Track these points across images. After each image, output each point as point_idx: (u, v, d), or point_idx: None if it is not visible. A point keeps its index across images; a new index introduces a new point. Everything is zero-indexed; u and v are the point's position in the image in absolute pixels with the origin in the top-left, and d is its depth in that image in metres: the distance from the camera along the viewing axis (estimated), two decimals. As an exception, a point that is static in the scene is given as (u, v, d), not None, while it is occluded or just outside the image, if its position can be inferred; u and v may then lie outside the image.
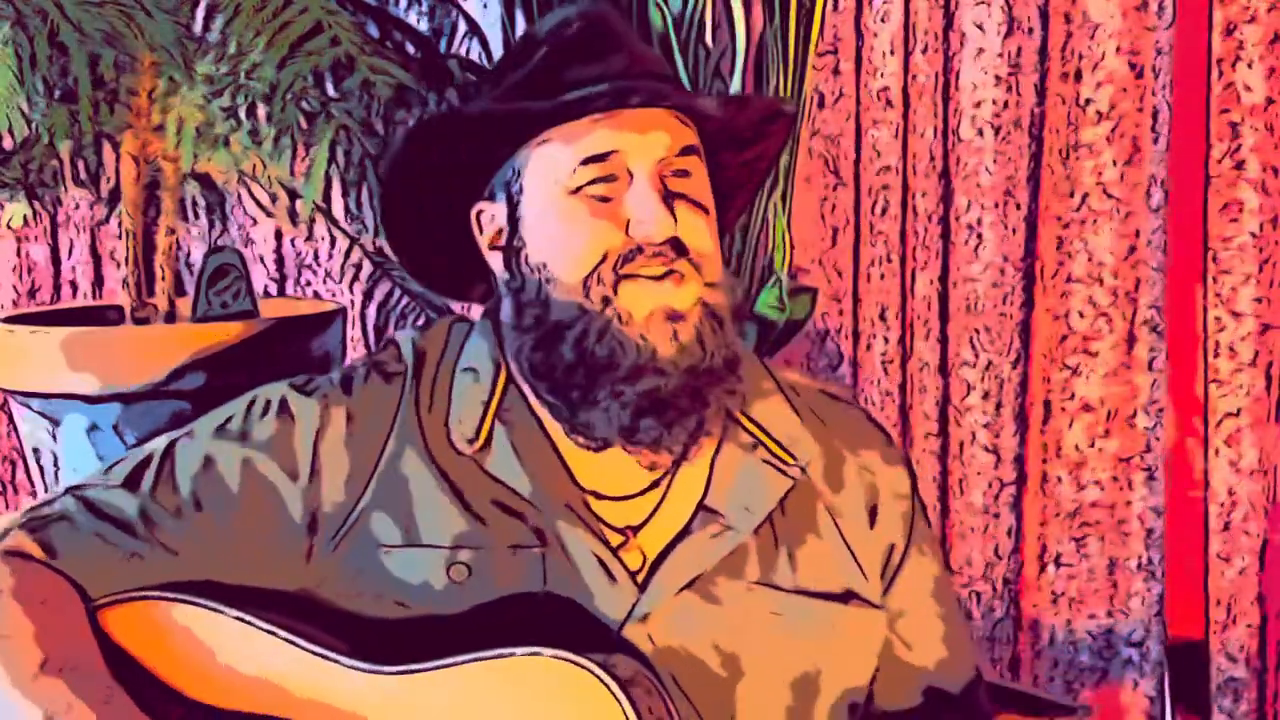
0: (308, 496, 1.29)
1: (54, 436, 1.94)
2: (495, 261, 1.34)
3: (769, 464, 1.32)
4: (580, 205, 1.27)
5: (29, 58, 1.80)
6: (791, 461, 1.33)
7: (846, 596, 1.33)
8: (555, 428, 1.30)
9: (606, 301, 1.25)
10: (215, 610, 1.25)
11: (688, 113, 1.31)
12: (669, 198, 1.27)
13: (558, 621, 1.25)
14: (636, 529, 1.30)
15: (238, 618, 1.25)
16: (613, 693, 1.15)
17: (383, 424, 1.31)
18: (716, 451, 1.32)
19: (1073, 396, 2.54)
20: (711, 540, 1.29)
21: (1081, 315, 2.52)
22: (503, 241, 1.33)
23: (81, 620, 1.25)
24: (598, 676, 1.16)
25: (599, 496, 1.30)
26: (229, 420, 1.34)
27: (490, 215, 1.35)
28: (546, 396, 1.29)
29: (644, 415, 1.25)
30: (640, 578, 1.27)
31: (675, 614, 1.26)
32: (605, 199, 1.27)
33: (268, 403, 1.33)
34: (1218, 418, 2.47)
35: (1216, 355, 2.46)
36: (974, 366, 2.56)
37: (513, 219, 1.32)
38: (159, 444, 1.34)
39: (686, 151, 1.30)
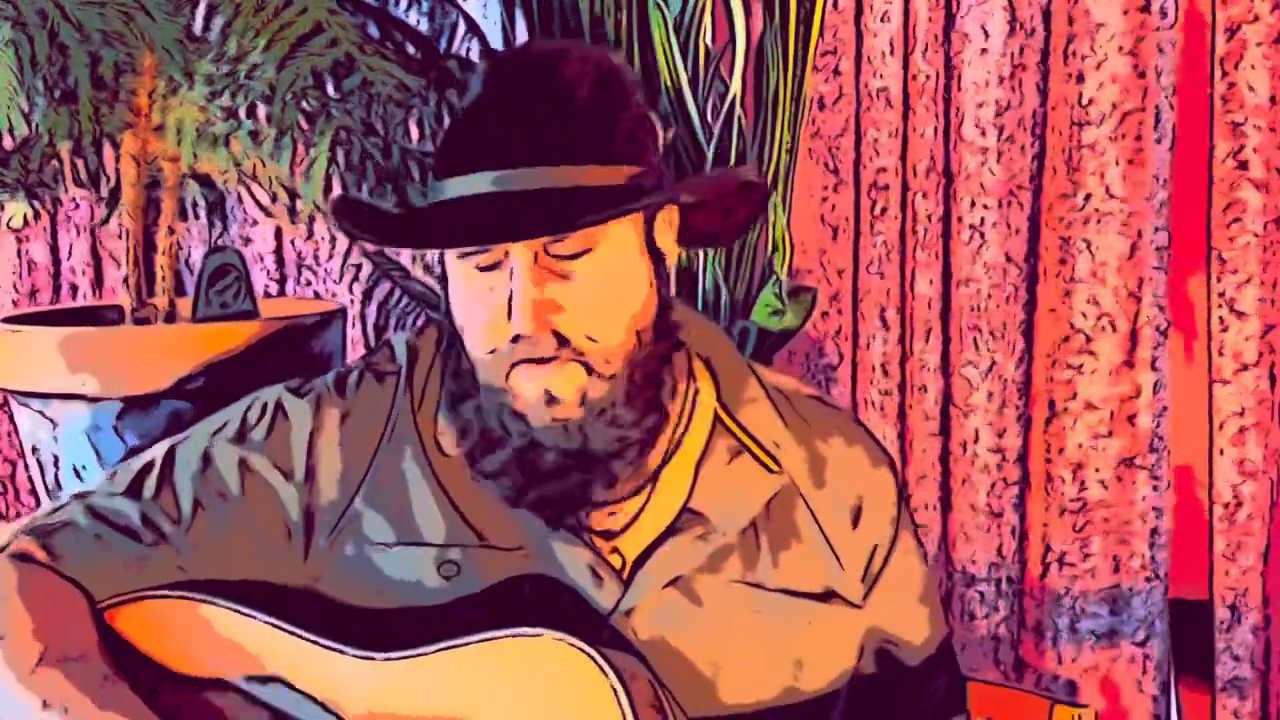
0: (303, 496, 1.32)
1: (54, 436, 1.94)
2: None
3: (754, 469, 1.33)
4: (474, 287, 1.25)
5: (29, 58, 1.80)
6: (776, 468, 1.33)
7: (827, 596, 1.33)
8: None
9: (501, 382, 1.25)
10: (236, 610, 1.27)
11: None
12: (554, 283, 1.22)
13: (551, 609, 1.27)
14: (618, 533, 1.31)
15: (264, 620, 1.27)
16: (610, 681, 1.17)
17: (376, 424, 1.33)
18: (702, 456, 1.33)
19: (1076, 396, 2.53)
20: (696, 542, 1.30)
21: (1084, 315, 2.52)
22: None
23: (82, 613, 1.27)
24: (596, 663, 1.17)
25: None
26: (226, 424, 1.36)
27: None
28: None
29: (526, 490, 1.26)
30: (625, 574, 1.29)
31: (659, 609, 1.28)
32: (492, 288, 1.23)
33: (264, 406, 1.36)
34: (1221, 417, 2.46)
35: (1220, 355, 2.45)
36: (977, 366, 2.56)
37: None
38: (159, 450, 1.36)
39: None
